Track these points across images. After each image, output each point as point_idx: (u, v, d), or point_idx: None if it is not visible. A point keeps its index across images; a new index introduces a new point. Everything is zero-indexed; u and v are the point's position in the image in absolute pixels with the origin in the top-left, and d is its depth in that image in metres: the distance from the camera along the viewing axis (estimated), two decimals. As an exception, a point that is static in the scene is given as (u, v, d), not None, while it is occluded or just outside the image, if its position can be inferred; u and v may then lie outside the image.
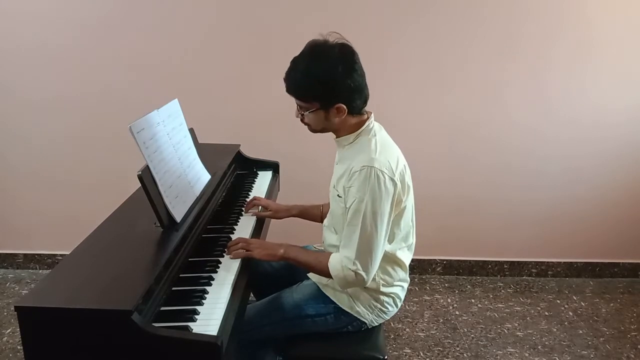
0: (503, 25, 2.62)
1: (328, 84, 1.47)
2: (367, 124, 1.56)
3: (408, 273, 1.70)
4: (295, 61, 1.52)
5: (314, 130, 1.59)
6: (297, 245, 1.66)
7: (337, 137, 1.60)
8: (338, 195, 1.57)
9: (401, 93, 2.68)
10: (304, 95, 1.51)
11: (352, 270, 1.48)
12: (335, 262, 1.52)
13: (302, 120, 1.58)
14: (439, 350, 2.39)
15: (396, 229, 1.58)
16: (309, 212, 1.95)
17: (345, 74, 1.47)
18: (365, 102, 1.55)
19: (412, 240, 1.67)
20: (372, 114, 1.59)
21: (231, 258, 1.58)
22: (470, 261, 3.02)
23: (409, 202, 1.59)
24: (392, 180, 1.47)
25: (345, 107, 1.49)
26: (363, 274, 1.48)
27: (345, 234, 1.51)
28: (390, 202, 1.48)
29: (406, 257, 1.66)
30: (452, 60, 2.66)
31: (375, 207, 1.45)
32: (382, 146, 1.52)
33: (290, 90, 1.53)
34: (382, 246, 1.51)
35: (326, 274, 1.54)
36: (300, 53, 1.52)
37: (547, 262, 3.02)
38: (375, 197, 1.45)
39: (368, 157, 1.47)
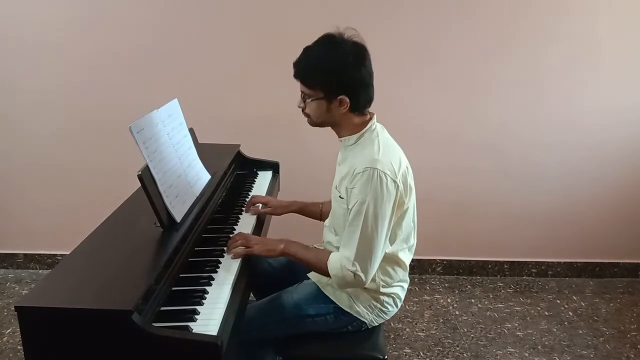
0: (503, 30, 2.62)
1: (336, 73, 1.48)
2: (369, 124, 1.56)
3: (408, 273, 1.70)
4: (307, 48, 1.53)
5: (313, 123, 1.58)
6: (297, 242, 1.66)
7: (340, 137, 1.60)
8: (340, 196, 1.57)
9: (402, 96, 2.67)
10: (310, 81, 1.51)
11: (351, 271, 1.48)
12: (334, 262, 1.52)
13: (303, 110, 1.58)
14: (439, 350, 2.39)
15: (398, 230, 1.58)
16: (309, 209, 1.95)
17: (354, 67, 1.48)
18: (369, 102, 1.55)
19: (413, 241, 1.67)
20: (375, 115, 1.59)
21: (232, 258, 1.58)
22: (470, 261, 3.02)
23: (411, 203, 1.59)
24: (395, 182, 1.47)
25: (348, 100, 1.49)
26: (362, 275, 1.48)
27: (345, 234, 1.51)
28: (392, 204, 1.47)
29: (407, 257, 1.66)
30: (452, 64, 2.66)
31: (377, 209, 1.45)
32: (385, 147, 1.52)
33: (298, 74, 1.53)
34: (383, 248, 1.51)
35: (325, 272, 1.54)
36: (314, 41, 1.53)
37: (547, 262, 3.02)
38: (378, 198, 1.44)
39: (371, 158, 1.47)
